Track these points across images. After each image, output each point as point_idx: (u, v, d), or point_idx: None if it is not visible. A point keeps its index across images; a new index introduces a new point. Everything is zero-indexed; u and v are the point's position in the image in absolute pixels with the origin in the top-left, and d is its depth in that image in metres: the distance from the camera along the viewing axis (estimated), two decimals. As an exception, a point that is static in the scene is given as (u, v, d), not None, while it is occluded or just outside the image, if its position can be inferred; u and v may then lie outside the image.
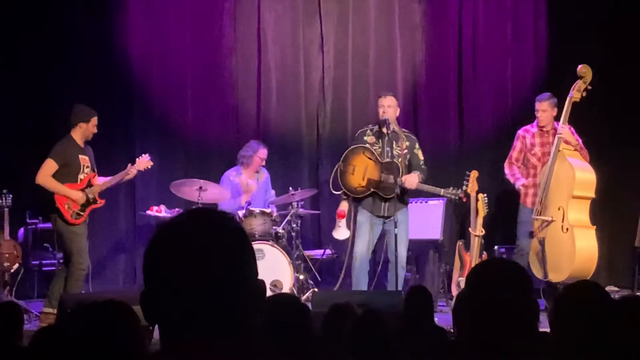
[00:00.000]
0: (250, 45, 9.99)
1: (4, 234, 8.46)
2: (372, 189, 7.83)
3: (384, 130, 7.86)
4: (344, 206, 8.09)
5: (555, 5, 9.86)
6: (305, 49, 10.04)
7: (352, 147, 8.02)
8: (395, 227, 7.73)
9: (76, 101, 7.98)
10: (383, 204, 7.84)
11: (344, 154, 8.02)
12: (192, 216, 1.60)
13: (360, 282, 7.88)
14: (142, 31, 9.79)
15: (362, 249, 7.88)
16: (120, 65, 9.71)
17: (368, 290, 7.93)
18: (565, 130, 8.04)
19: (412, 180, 7.78)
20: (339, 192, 8.05)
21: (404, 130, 8.17)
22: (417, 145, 8.08)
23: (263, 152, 9.12)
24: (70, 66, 9.52)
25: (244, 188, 9.05)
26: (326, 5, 10.02)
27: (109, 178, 7.90)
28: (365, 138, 7.99)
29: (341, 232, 8.31)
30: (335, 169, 8.11)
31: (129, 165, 7.96)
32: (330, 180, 8.12)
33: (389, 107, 7.93)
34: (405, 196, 7.92)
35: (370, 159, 7.89)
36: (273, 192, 9.19)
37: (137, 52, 9.77)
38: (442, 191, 7.83)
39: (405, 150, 7.92)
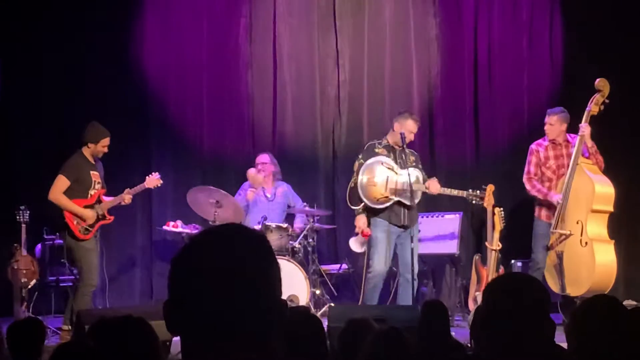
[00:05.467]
0: (266, 60, 10.03)
1: (22, 250, 8.50)
2: (395, 198, 7.85)
3: (396, 145, 7.94)
4: (363, 222, 8.02)
5: (571, 17, 9.84)
6: (320, 63, 10.06)
7: (369, 160, 8.01)
8: (412, 241, 7.75)
9: (92, 119, 8.00)
10: (403, 213, 7.86)
11: (363, 167, 8.00)
12: (223, 230, 1.61)
13: (374, 299, 7.89)
14: (159, 46, 9.85)
15: (381, 265, 7.89)
16: (137, 80, 9.76)
17: (385, 305, 7.93)
18: (587, 130, 8.00)
19: (435, 185, 7.88)
20: (359, 207, 7.99)
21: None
22: (420, 161, 8.21)
23: (259, 158, 9.21)
24: (87, 82, 9.58)
25: (250, 200, 9.06)
26: (341, 19, 10.05)
27: (110, 199, 7.92)
28: (376, 150, 8.03)
29: (359, 246, 8.34)
30: (350, 183, 8.09)
31: (126, 189, 7.97)
32: (347, 195, 8.10)
33: (414, 135, 8.09)
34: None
35: (390, 169, 7.90)
36: (304, 204, 9.11)
37: (153, 67, 9.82)
38: (465, 193, 7.99)
39: (414, 164, 8.03)
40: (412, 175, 7.87)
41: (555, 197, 8.10)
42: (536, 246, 8.31)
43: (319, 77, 10.05)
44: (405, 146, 7.92)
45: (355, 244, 8.47)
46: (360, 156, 8.12)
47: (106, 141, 7.78)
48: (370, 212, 7.99)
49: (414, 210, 7.94)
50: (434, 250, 8.86)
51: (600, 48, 9.50)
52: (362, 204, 7.96)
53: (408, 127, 8.02)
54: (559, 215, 8.01)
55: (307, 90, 10.06)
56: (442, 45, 10.07)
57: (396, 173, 7.90)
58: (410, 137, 8.03)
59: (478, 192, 7.99)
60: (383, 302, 8.38)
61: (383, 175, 7.92)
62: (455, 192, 8.07)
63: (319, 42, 10.06)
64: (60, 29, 9.57)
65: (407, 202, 7.86)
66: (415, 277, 7.90)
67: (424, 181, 8.00)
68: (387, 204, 7.89)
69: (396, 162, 7.96)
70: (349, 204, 8.09)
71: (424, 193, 8.01)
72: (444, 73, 10.07)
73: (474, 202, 8.09)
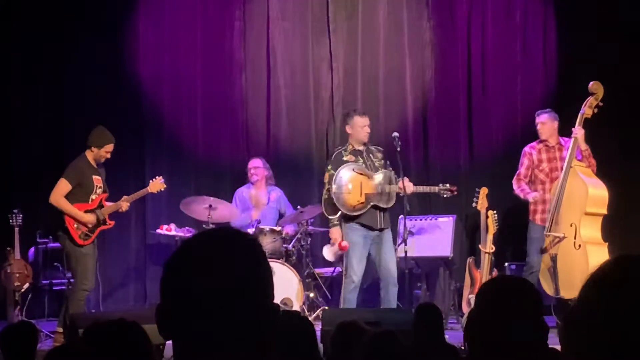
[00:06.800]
0: (260, 64, 10.03)
1: (15, 254, 8.49)
2: (371, 203, 7.85)
3: (359, 147, 7.95)
4: (339, 234, 7.95)
5: (565, 20, 9.87)
6: (314, 67, 10.07)
7: (340, 168, 7.94)
8: (392, 243, 7.74)
9: (87, 124, 8.02)
10: (379, 215, 7.86)
11: (335, 176, 7.90)
12: (215, 233, 1.62)
13: (354, 302, 7.87)
14: (153, 50, 9.85)
15: (361, 269, 7.86)
16: (131, 84, 9.76)
17: (378, 308, 7.91)
18: (581, 132, 8.02)
19: (409, 185, 7.86)
20: (336, 216, 7.92)
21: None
22: (385, 156, 8.16)
23: (251, 162, 9.22)
24: (82, 86, 9.59)
25: (254, 202, 9.05)
26: (335, 23, 10.05)
27: (109, 204, 7.91)
28: (344, 159, 7.97)
29: (332, 255, 8.24)
30: (324, 194, 8.00)
31: (124, 197, 7.96)
32: (323, 207, 8.01)
33: (369, 127, 8.02)
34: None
35: (362, 174, 7.90)
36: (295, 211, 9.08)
37: (147, 71, 9.82)
38: (437, 188, 8.05)
39: (382, 161, 8.01)
40: (385, 177, 7.88)
41: (531, 195, 8.17)
42: (530, 249, 8.32)
43: (313, 80, 10.05)
44: (370, 146, 7.96)
45: (329, 254, 8.37)
46: (329, 167, 8.01)
47: (110, 147, 7.76)
48: (347, 218, 7.93)
49: (388, 212, 7.95)
50: (428, 253, 8.85)
51: (594, 51, 9.52)
52: (339, 213, 7.89)
53: (358, 125, 7.99)
54: (552, 218, 8.02)
55: (301, 94, 10.06)
56: (436, 48, 10.08)
57: (369, 177, 7.89)
58: (365, 130, 7.97)
59: (447, 185, 8.03)
60: (375, 307, 8.36)
61: (357, 181, 7.89)
62: (427, 188, 8.14)
63: (312, 45, 10.06)
64: (56, 34, 9.59)
65: (383, 205, 7.86)
66: (395, 280, 7.85)
67: (395, 180, 7.97)
68: (364, 210, 7.88)
69: (366, 165, 7.96)
70: (325, 214, 8.02)
71: (399, 194, 7.96)
72: (437, 76, 10.08)
73: (445, 195, 8.12)
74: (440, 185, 8.07)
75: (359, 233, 7.87)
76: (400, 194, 7.85)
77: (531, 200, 8.22)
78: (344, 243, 7.85)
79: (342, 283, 8.02)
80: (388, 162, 8.08)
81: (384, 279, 7.87)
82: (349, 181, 7.89)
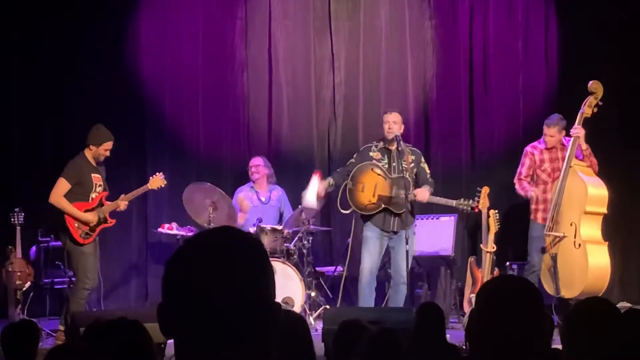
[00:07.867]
0: (262, 63, 10.03)
1: (16, 252, 8.49)
2: (383, 205, 7.84)
3: (390, 146, 7.92)
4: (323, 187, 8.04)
5: (566, 19, 9.86)
6: (316, 65, 10.06)
7: (359, 165, 8.00)
8: (407, 243, 7.71)
9: (88, 122, 8.02)
10: (393, 219, 7.86)
11: (352, 172, 8.00)
12: (217, 233, 1.62)
13: (367, 297, 7.87)
14: (154, 49, 9.84)
15: (370, 264, 7.88)
16: (133, 83, 9.76)
17: (379, 307, 7.92)
18: (581, 132, 8.01)
19: (423, 193, 7.81)
20: (348, 211, 8.03)
21: (407, 144, 8.17)
22: (422, 159, 8.13)
23: (252, 161, 9.23)
24: (83, 85, 9.59)
25: (240, 206, 9.04)
26: (337, 22, 10.05)
27: (109, 203, 7.89)
28: (370, 154, 8.01)
29: (311, 196, 8.11)
30: (342, 187, 8.08)
31: (121, 195, 7.94)
32: (338, 200, 8.08)
33: (394, 124, 7.96)
34: (413, 212, 7.87)
35: (380, 175, 7.89)
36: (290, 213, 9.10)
37: (149, 70, 9.82)
38: (454, 202, 7.90)
39: (412, 164, 7.95)
40: (402, 182, 7.84)
41: (530, 190, 8.18)
42: (531, 249, 8.32)
43: (315, 79, 10.05)
44: (400, 147, 7.89)
45: (308, 195, 8.14)
46: (354, 155, 8.13)
47: (108, 145, 7.75)
48: (363, 217, 8.00)
49: (405, 215, 7.85)
50: (429, 252, 8.86)
51: (595, 50, 9.52)
52: (350, 210, 7.97)
53: (387, 120, 7.98)
54: (552, 217, 8.02)
55: (302, 93, 10.06)
56: (438, 47, 10.07)
57: (385, 179, 7.88)
58: (388, 127, 7.94)
59: (470, 201, 7.89)
60: (378, 305, 8.37)
61: (372, 182, 7.90)
62: (443, 200, 7.99)
63: (314, 44, 10.06)
64: (58, 32, 9.57)
65: (394, 210, 7.85)
66: (405, 280, 7.85)
67: (421, 183, 7.95)
68: (375, 211, 7.88)
69: (390, 166, 7.93)
70: (339, 208, 8.07)
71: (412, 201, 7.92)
72: (439, 76, 10.07)
73: (464, 210, 8.05)
74: (461, 200, 7.90)
75: (373, 230, 7.92)
76: (413, 200, 7.78)
77: (531, 196, 8.20)
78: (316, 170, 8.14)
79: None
80: (423, 163, 8.07)
81: (394, 277, 7.90)
82: (364, 180, 7.91)
